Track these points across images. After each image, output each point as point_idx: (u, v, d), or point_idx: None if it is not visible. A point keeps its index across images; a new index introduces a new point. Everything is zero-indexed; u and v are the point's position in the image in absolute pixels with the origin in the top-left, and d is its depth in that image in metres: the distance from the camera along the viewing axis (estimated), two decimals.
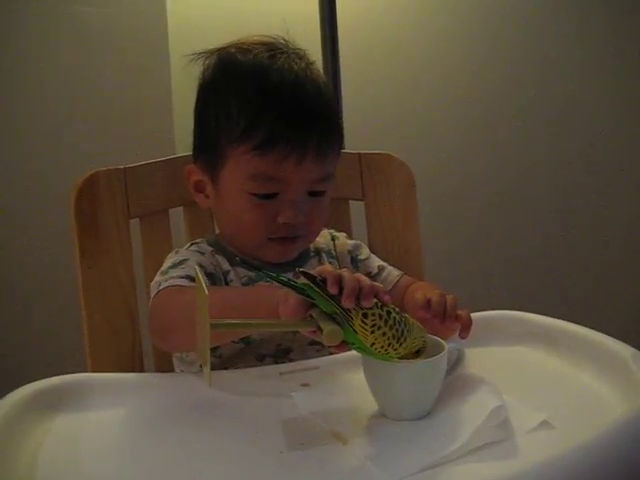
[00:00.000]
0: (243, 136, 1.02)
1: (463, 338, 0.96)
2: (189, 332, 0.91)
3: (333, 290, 0.77)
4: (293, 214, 1.04)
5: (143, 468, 0.77)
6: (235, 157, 1.04)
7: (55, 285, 1.69)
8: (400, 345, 0.80)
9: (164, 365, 1.13)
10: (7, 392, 0.86)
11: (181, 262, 1.06)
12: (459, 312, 0.96)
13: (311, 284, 0.77)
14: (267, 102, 1.02)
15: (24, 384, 0.89)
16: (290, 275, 1.08)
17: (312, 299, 0.78)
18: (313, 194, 1.06)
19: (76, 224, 1.11)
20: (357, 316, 0.77)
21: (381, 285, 0.82)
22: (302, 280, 0.79)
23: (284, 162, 1.01)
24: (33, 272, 1.72)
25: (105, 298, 1.12)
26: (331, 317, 0.78)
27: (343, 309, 0.77)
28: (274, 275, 0.79)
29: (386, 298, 0.81)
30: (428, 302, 0.96)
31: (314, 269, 0.81)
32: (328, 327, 0.76)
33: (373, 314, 0.78)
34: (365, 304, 0.78)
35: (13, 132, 1.69)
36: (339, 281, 0.78)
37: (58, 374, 0.93)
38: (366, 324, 0.78)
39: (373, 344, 0.78)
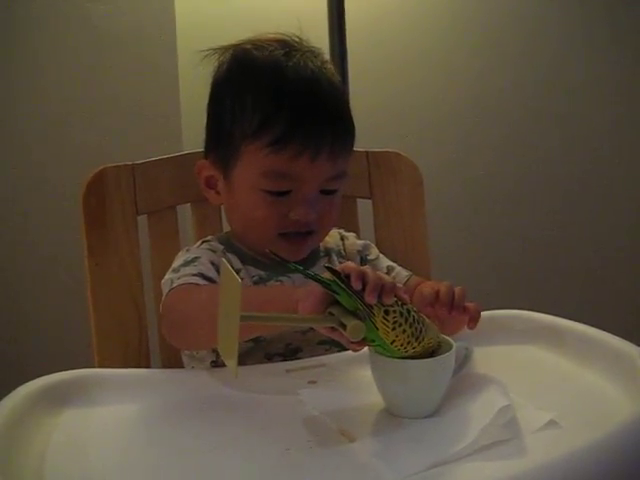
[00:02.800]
0: (258, 132, 1.02)
1: (471, 329, 0.96)
2: (205, 330, 0.92)
3: (357, 285, 0.78)
4: (305, 211, 1.04)
5: (150, 463, 0.77)
6: (249, 153, 1.04)
7: (63, 281, 1.69)
8: (419, 343, 0.81)
9: (171, 361, 1.13)
10: (16, 387, 0.86)
11: (193, 260, 1.05)
12: (467, 304, 0.96)
13: (336, 279, 0.78)
14: (283, 99, 1.02)
15: (33, 379, 0.89)
16: (299, 274, 1.09)
17: (337, 293, 0.79)
18: (325, 192, 1.06)
19: (84, 220, 1.12)
20: (379, 313, 0.78)
21: (400, 284, 0.83)
22: (327, 275, 0.79)
23: (298, 159, 1.01)
24: (41, 268, 1.73)
25: (112, 294, 1.12)
26: (353, 314, 0.78)
27: (366, 305, 0.78)
28: (301, 268, 0.80)
29: (405, 297, 0.82)
30: (437, 293, 0.96)
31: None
32: (352, 322, 0.77)
33: (394, 311, 0.79)
34: (386, 301, 0.79)
35: (21, 129, 1.69)
36: (362, 277, 0.79)
37: (66, 369, 0.94)
38: (388, 320, 0.78)
39: (393, 341, 0.79)
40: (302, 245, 1.09)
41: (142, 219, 1.16)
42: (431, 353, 0.83)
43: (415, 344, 0.80)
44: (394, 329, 0.79)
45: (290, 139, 1.01)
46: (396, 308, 0.79)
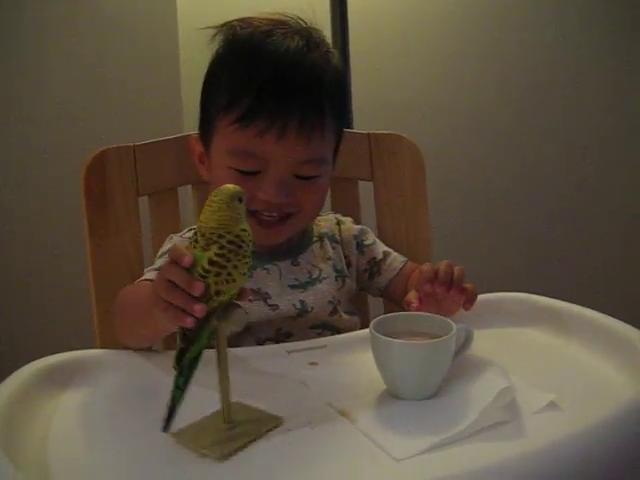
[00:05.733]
0: (226, 108, 1.01)
1: (466, 309, 0.97)
2: (127, 333, 0.97)
3: (191, 323, 0.74)
4: (273, 192, 1.01)
5: (150, 442, 0.77)
6: (220, 129, 1.03)
7: (65, 263, 1.69)
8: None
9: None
10: (18, 368, 0.87)
11: (167, 252, 1.06)
12: (465, 284, 0.96)
13: (183, 364, 0.75)
14: (252, 76, 1.01)
15: (34, 360, 0.90)
16: (289, 261, 1.10)
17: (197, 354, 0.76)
18: (302, 177, 1.03)
19: (85, 202, 1.11)
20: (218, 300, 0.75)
21: (182, 254, 0.75)
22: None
23: (264, 137, 0.99)
24: (42, 250, 1.73)
25: (113, 275, 1.12)
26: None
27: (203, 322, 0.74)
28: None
29: (186, 260, 0.74)
30: (436, 272, 0.96)
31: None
32: (228, 320, 0.76)
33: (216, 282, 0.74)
34: (196, 292, 0.73)
35: (22, 113, 1.69)
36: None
37: (68, 350, 0.94)
38: (224, 293, 0.75)
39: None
40: (277, 229, 1.06)
41: (143, 200, 1.16)
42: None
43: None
44: (229, 281, 0.74)
45: (255, 115, 0.99)
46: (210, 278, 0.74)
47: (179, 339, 0.75)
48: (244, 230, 0.75)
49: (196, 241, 0.75)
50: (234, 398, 0.81)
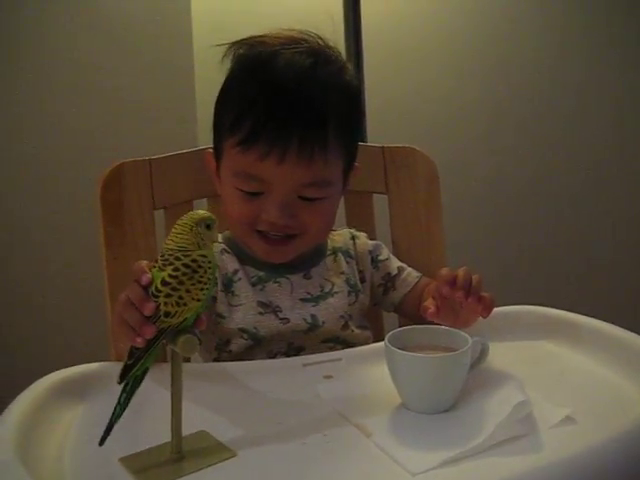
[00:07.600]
0: (231, 130, 1.01)
1: (484, 317, 0.96)
2: (115, 344, 0.97)
3: (141, 343, 0.74)
4: (276, 214, 1.01)
5: None
6: (226, 150, 1.03)
7: (81, 275, 1.70)
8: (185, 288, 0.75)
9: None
10: (37, 379, 0.88)
11: None
12: (482, 293, 0.96)
13: (131, 373, 0.75)
14: (255, 97, 1.00)
15: (53, 372, 0.91)
16: (301, 275, 1.10)
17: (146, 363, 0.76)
18: (307, 198, 1.02)
19: (102, 215, 1.12)
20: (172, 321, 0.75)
21: (142, 272, 0.76)
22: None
23: (264, 161, 0.98)
24: (60, 263, 1.74)
25: None
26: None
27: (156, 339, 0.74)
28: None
29: (144, 278, 0.75)
30: (454, 278, 0.95)
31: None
32: (178, 341, 0.75)
33: (166, 303, 0.74)
34: (146, 312, 0.73)
35: (38, 124, 1.70)
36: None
37: (85, 362, 0.95)
38: (174, 314, 0.74)
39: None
40: (283, 247, 1.06)
41: (159, 213, 1.17)
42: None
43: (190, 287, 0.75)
44: (180, 304, 0.74)
45: (256, 139, 0.98)
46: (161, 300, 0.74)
47: (127, 355, 0.75)
48: (203, 256, 0.76)
49: (156, 260, 0.76)
50: (248, 410, 0.81)
